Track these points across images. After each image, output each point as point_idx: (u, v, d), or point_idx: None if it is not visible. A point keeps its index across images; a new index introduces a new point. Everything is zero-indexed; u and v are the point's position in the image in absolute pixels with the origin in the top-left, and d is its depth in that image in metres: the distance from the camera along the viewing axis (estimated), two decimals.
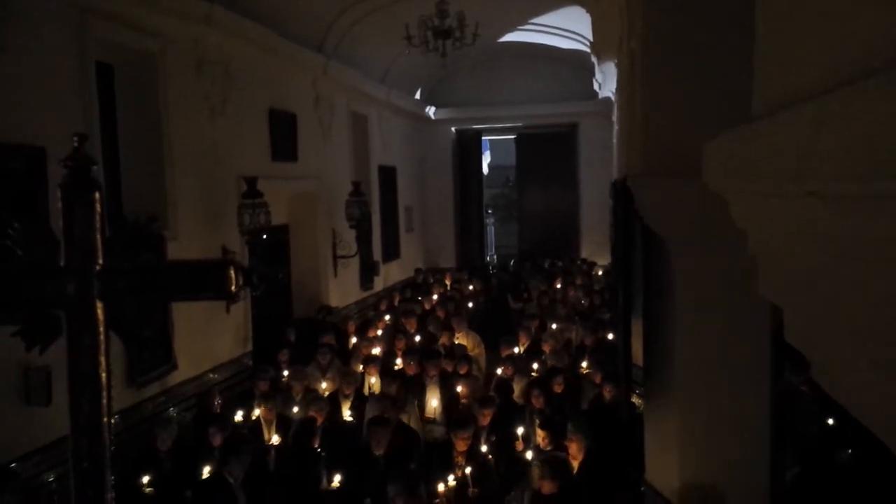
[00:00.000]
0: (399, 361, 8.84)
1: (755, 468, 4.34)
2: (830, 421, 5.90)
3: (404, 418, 7.15)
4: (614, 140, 11.61)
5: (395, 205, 15.09)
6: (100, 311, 1.20)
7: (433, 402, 7.78)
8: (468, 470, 5.67)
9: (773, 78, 1.36)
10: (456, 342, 9.51)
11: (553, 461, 5.21)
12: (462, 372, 8.04)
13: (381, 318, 11.18)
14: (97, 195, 1.20)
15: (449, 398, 7.74)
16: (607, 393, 6.80)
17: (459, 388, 7.70)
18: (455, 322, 9.97)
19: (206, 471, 5.78)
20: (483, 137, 19.62)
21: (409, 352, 8.63)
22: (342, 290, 11.70)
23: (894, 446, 0.98)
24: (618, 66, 8.40)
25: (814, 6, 1.10)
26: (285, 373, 8.14)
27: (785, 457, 5.11)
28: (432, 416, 7.73)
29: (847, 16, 0.96)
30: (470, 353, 9.22)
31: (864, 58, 0.88)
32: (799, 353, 1.38)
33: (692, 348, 4.42)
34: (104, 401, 1.21)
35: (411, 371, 8.11)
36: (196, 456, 6.11)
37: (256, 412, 7.10)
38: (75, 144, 1.16)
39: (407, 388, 7.67)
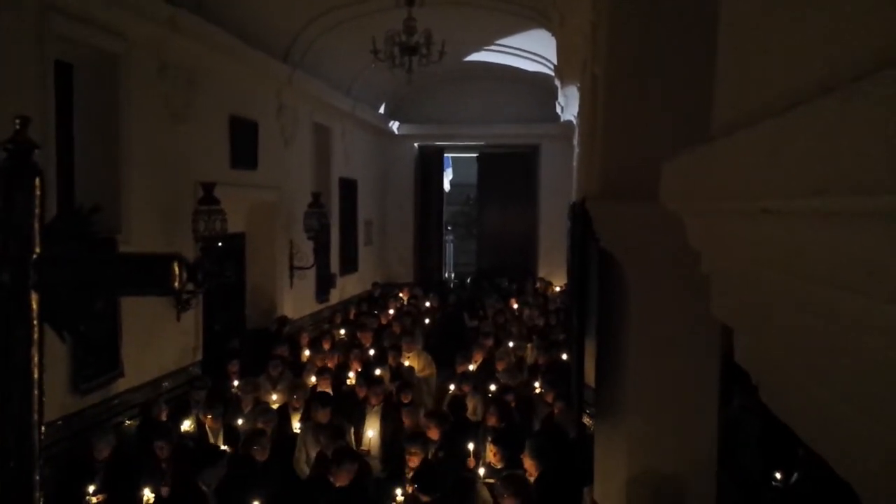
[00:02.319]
0: (351, 375, 8.75)
1: (702, 489, 4.38)
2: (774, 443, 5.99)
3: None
4: (574, 163, 11.75)
5: (354, 218, 15.02)
6: (34, 303, 1.15)
7: (370, 432, 7.30)
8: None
9: (731, 98, 1.38)
10: (405, 363, 9.21)
11: (513, 478, 5.21)
12: (405, 401, 7.56)
13: (335, 330, 11.09)
14: (37, 181, 1.15)
15: (392, 431, 7.23)
16: (557, 411, 6.83)
17: (405, 420, 7.22)
18: (405, 343, 9.61)
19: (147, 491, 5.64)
20: (445, 155, 19.68)
21: (361, 376, 8.18)
22: (298, 302, 11.58)
23: (841, 469, 0.99)
24: (580, 90, 8.52)
25: (772, 28, 1.11)
26: (235, 383, 8.01)
27: (730, 478, 5.18)
28: (366, 450, 7.19)
29: (803, 38, 0.97)
30: (419, 374, 9.06)
31: (820, 77, 0.89)
32: (746, 375, 1.39)
33: (643, 370, 4.46)
34: (35, 398, 1.16)
35: (363, 394, 7.70)
36: (139, 466, 5.97)
37: (187, 423, 6.94)
38: (17, 127, 1.12)
39: (344, 414, 7.24)
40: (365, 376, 8.18)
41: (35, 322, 1.15)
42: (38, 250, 1.15)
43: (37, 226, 1.14)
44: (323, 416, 6.92)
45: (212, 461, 5.72)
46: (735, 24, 1.40)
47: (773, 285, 1.13)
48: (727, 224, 1.32)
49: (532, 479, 5.54)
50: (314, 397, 7.39)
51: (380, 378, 8.19)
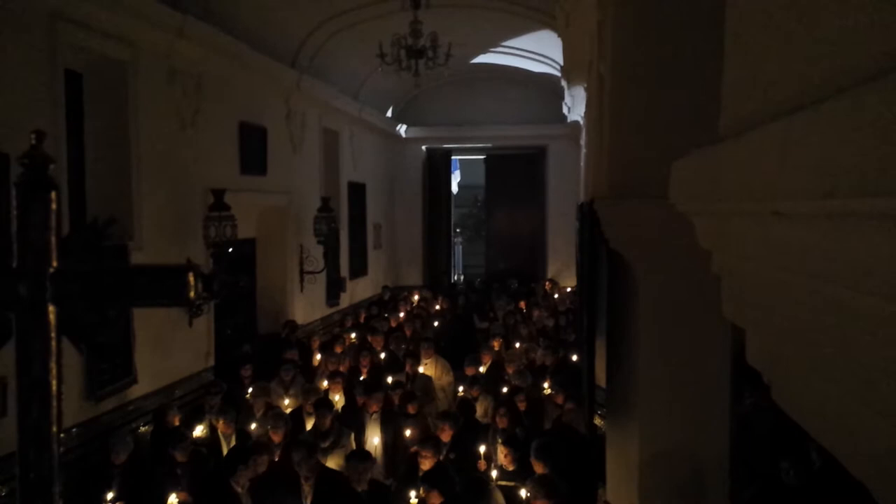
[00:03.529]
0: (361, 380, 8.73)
1: (714, 488, 4.37)
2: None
3: (337, 458, 6.46)
4: (582, 163, 11.74)
5: (363, 221, 15.06)
6: (52, 315, 1.16)
7: (374, 440, 7.17)
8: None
9: (740, 99, 1.38)
10: (421, 370, 8.97)
11: (544, 480, 5.20)
12: (411, 411, 7.32)
13: (346, 334, 11.11)
14: (53, 194, 1.17)
15: (392, 439, 7.07)
16: (567, 412, 6.82)
17: (408, 432, 7.05)
18: (423, 349, 9.31)
19: (173, 497, 5.67)
20: (453, 157, 19.68)
21: (360, 383, 7.93)
22: (308, 306, 11.61)
23: (854, 468, 0.99)
24: (587, 90, 8.51)
25: (780, 28, 1.12)
26: (250, 390, 8.03)
27: (742, 476, 5.16)
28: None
29: (812, 39, 0.97)
30: (437, 382, 8.91)
31: (829, 79, 0.89)
32: (757, 373, 1.40)
33: (654, 370, 4.45)
34: (54, 409, 1.17)
35: (361, 403, 7.52)
36: (152, 471, 6.01)
37: (199, 428, 6.97)
38: (33, 142, 1.13)
39: (343, 423, 7.03)
40: (363, 384, 8.02)
41: (53, 334, 1.16)
42: (54, 264, 1.16)
43: (53, 239, 1.16)
44: (326, 422, 6.78)
45: (243, 460, 5.73)
46: (743, 24, 1.40)
47: (785, 285, 1.13)
48: (737, 225, 1.33)
49: None
50: (316, 403, 7.23)
51: (378, 385, 8.02)
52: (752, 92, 1.28)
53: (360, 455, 6.01)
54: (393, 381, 8.33)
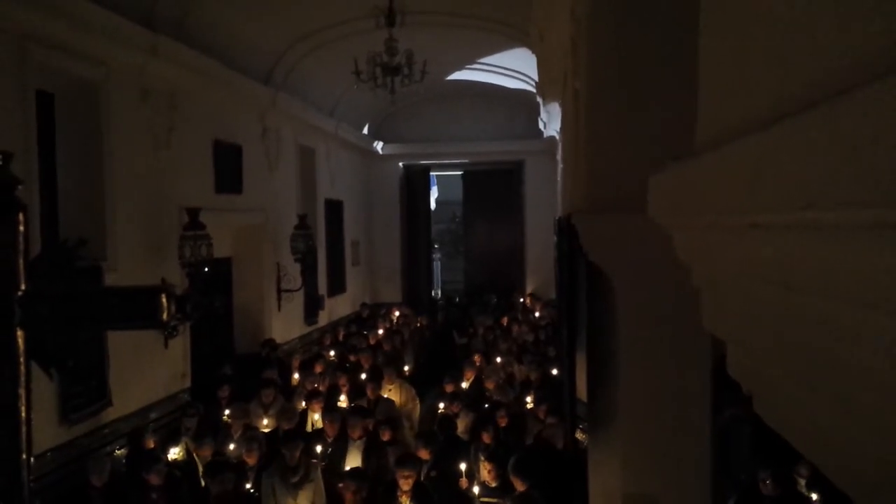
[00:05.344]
0: (343, 398, 8.63)
1: (696, 501, 4.36)
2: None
3: (307, 493, 6.20)
4: (559, 178, 11.80)
5: (341, 239, 15.00)
6: (20, 340, 1.13)
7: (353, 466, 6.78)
8: None
9: (717, 111, 1.38)
10: (385, 395, 8.58)
11: (529, 497, 5.15)
12: (385, 438, 7.09)
13: (326, 353, 11.02)
14: (21, 216, 1.13)
15: (376, 468, 6.71)
16: (548, 427, 6.79)
17: (392, 458, 6.56)
18: (387, 374, 8.91)
19: None
20: (430, 173, 19.71)
21: (330, 409, 7.56)
22: (286, 325, 11.52)
23: (838, 479, 0.98)
24: (562, 105, 8.56)
25: (755, 39, 1.12)
26: (227, 411, 7.92)
27: (723, 488, 5.17)
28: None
29: (787, 49, 0.98)
30: (402, 409, 8.61)
31: (806, 91, 0.89)
32: (737, 384, 1.39)
33: (635, 382, 4.45)
34: (24, 436, 1.13)
35: (332, 432, 7.15)
36: (127, 495, 5.90)
37: (175, 450, 6.83)
38: (0, 163, 1.10)
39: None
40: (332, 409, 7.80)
41: (21, 360, 1.12)
42: (23, 287, 1.13)
43: (21, 262, 1.12)
44: (295, 455, 6.34)
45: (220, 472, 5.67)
46: (716, 35, 1.41)
47: (765, 298, 1.13)
48: (716, 238, 1.32)
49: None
50: (284, 436, 6.87)
51: (361, 407, 7.80)
52: (727, 103, 1.29)
53: (356, 474, 5.85)
54: (353, 406, 7.97)
